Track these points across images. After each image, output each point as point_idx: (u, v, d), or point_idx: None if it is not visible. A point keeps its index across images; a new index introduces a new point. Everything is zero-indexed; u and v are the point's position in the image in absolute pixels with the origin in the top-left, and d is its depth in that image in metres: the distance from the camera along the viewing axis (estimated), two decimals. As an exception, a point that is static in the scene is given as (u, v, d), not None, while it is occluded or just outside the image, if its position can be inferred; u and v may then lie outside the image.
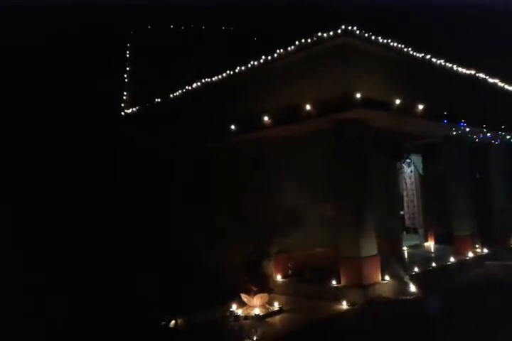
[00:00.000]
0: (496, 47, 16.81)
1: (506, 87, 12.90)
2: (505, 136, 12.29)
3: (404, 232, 14.69)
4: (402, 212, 14.86)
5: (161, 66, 14.13)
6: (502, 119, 11.94)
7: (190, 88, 11.49)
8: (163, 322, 6.85)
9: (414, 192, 14.90)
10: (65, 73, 13.02)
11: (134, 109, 13.76)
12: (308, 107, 8.70)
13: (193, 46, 14.45)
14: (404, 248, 12.41)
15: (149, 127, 12.65)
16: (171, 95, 12.06)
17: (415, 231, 14.95)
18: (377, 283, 8.65)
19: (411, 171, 14.62)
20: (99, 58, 13.53)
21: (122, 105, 14.05)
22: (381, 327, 6.78)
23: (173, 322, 6.96)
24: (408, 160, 14.01)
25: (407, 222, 15.24)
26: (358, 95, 8.18)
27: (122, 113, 14.00)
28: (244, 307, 7.90)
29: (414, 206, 14.96)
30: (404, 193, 15.06)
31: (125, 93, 14.19)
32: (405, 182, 15.05)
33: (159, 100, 12.54)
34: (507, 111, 12.57)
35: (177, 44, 14.55)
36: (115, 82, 14.29)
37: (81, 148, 12.58)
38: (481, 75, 11.79)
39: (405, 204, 15.14)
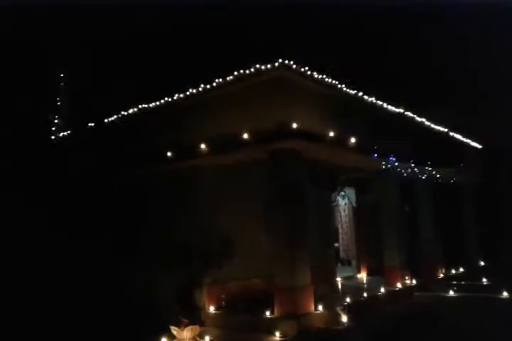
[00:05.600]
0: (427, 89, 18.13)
1: (432, 125, 13.85)
2: (431, 171, 13.05)
3: (339, 264, 14.94)
4: (337, 244, 15.15)
5: (97, 90, 13.82)
6: (427, 156, 12.71)
7: (126, 113, 11.29)
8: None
9: (349, 224, 15.28)
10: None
11: (67, 132, 13.23)
12: (245, 136, 8.80)
13: (133, 71, 14.31)
14: (338, 279, 12.54)
15: (83, 152, 12.19)
16: (106, 120, 11.78)
17: (349, 263, 15.22)
18: (310, 313, 8.60)
19: (345, 204, 15.04)
20: (29, 80, 13.01)
21: (53, 129, 13.49)
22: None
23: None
24: (342, 193, 14.47)
25: (342, 254, 15.52)
26: (294, 126, 8.40)
27: (53, 137, 13.42)
28: (173, 341, 7.53)
29: (348, 238, 15.30)
30: (339, 225, 15.41)
31: (57, 116, 13.65)
32: (340, 215, 15.43)
33: (94, 124, 12.19)
34: (432, 148, 13.43)
35: (115, 68, 14.36)
36: (45, 105, 13.75)
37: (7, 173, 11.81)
38: (409, 114, 12.60)
39: (340, 237, 15.46)
